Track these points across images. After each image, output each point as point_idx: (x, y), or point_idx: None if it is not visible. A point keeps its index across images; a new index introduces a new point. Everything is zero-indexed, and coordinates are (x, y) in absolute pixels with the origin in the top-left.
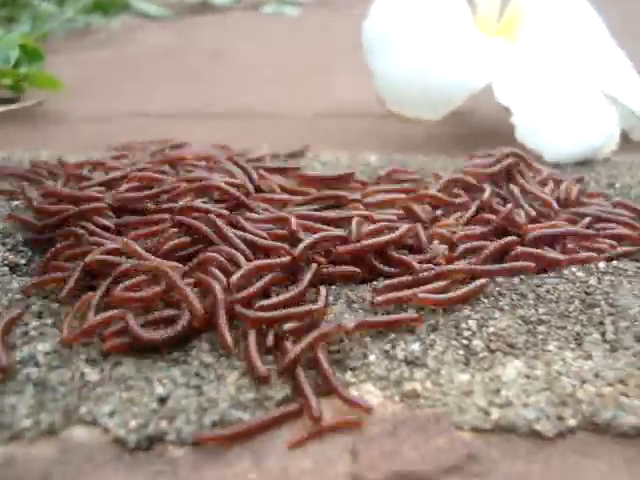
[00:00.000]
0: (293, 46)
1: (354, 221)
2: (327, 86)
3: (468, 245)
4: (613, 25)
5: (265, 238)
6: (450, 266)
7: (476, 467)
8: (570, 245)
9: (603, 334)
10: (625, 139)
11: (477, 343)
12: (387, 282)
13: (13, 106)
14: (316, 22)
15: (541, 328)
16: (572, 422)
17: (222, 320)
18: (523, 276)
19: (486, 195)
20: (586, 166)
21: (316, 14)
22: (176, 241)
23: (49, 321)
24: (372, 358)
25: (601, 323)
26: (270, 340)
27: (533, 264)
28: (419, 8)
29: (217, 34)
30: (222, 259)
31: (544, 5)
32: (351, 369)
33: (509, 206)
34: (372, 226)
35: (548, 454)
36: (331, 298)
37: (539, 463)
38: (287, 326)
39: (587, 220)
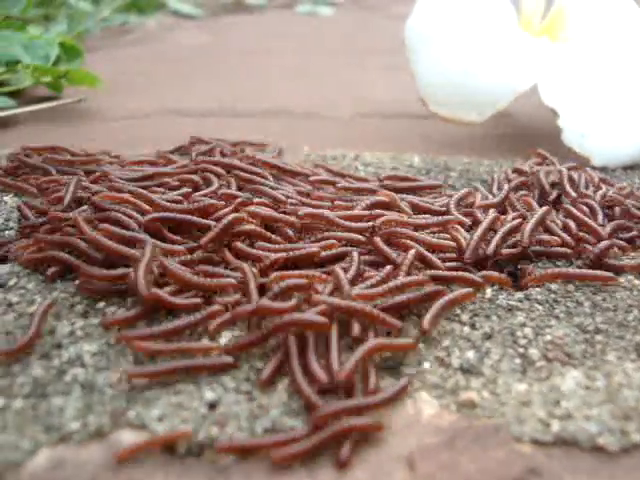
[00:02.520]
0: (328, 46)
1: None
2: (364, 86)
3: None
4: None
5: None
6: None
7: None
8: None
9: None
10: None
11: (534, 352)
12: None
13: (53, 103)
14: (350, 22)
15: (599, 337)
16: (637, 437)
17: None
18: (578, 283)
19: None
20: (636, 170)
21: (350, 14)
22: None
23: (94, 321)
24: (426, 365)
25: None
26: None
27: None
28: (462, 8)
29: (251, 33)
30: None
31: (589, 4)
32: (406, 376)
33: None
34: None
35: (612, 471)
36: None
37: (603, 479)
38: None
39: None
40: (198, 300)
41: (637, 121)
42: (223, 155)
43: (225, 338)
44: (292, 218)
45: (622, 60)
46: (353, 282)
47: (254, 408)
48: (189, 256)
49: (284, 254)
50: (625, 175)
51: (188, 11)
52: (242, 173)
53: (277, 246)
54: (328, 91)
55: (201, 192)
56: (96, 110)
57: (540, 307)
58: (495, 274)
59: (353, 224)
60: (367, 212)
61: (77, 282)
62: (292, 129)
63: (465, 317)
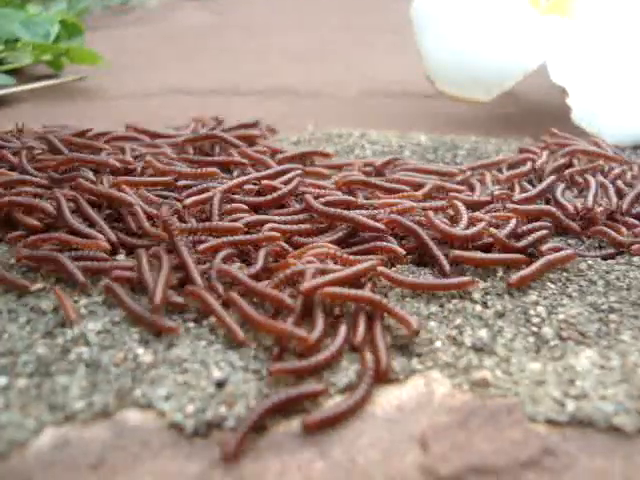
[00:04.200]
0: (333, 23)
1: None
2: (370, 64)
3: None
4: None
5: None
6: None
7: (553, 462)
8: None
9: None
10: None
11: (547, 330)
12: None
13: (53, 81)
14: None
15: (613, 316)
16: None
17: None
18: (591, 261)
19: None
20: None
21: None
22: None
23: (98, 299)
24: (438, 344)
25: None
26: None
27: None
28: None
29: (255, 12)
30: None
31: None
32: (417, 355)
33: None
34: None
35: (628, 451)
36: None
37: (619, 460)
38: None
39: None
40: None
41: None
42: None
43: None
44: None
45: (632, 37)
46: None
47: (263, 387)
48: None
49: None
50: (635, 154)
51: None
52: None
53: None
54: (333, 70)
55: None
56: (97, 89)
57: (553, 286)
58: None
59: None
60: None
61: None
62: (296, 108)
63: (477, 295)
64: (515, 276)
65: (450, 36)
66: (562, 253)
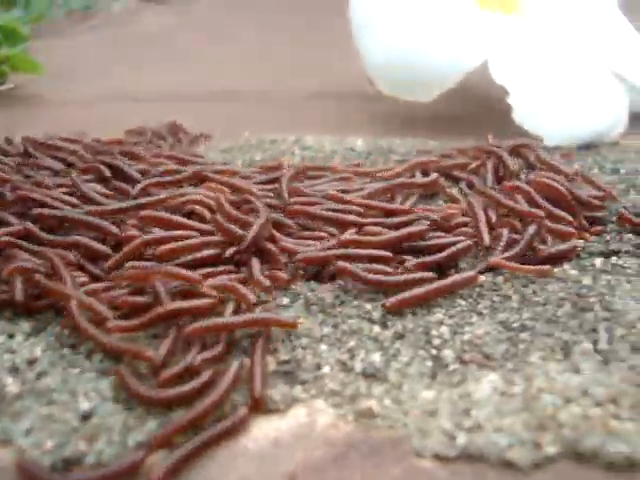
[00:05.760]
0: (294, 24)
1: None
2: (321, 66)
3: None
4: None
5: None
6: None
7: None
8: None
9: (595, 343)
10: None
11: (448, 353)
12: None
13: None
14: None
15: (524, 335)
16: (551, 450)
17: None
18: (508, 274)
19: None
20: (592, 150)
21: None
22: None
23: None
24: (326, 370)
25: (594, 330)
26: None
27: None
28: None
29: (218, 15)
30: None
31: None
32: (301, 382)
33: None
34: None
35: None
36: (287, 299)
37: None
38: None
39: None
40: None
41: (593, 99)
42: None
43: None
44: None
45: (578, 35)
46: None
47: (130, 420)
48: None
49: None
50: (578, 155)
51: None
52: None
53: None
54: (282, 72)
55: None
56: (41, 96)
57: (463, 302)
58: None
59: None
60: None
61: None
62: (238, 112)
63: (377, 314)
64: (392, 299)
65: (389, 35)
66: (457, 277)
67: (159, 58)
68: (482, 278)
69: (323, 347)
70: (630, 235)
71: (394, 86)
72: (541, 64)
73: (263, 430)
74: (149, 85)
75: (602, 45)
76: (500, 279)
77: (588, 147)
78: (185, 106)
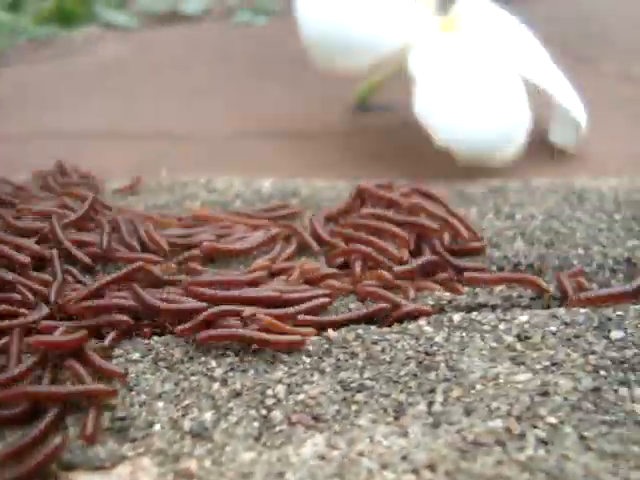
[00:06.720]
0: (246, 59)
1: None
2: (259, 102)
3: None
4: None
5: None
6: None
7: None
8: None
9: (430, 405)
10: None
11: (277, 414)
12: None
13: None
14: (283, 32)
15: (359, 396)
16: None
17: None
18: (362, 330)
19: None
20: (498, 190)
21: (281, 24)
22: None
23: None
24: (157, 428)
25: (432, 391)
26: None
27: None
28: None
29: (176, 47)
30: None
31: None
32: (131, 440)
33: None
34: None
35: None
36: (138, 354)
37: None
38: None
39: None
40: None
41: (492, 112)
42: None
43: None
44: None
45: (495, 48)
46: None
47: None
48: None
49: None
50: (481, 199)
51: (122, 22)
52: None
53: None
54: (220, 109)
55: None
56: None
57: (307, 359)
58: None
59: None
60: None
61: None
62: (164, 152)
63: (219, 371)
64: (204, 332)
65: (325, 5)
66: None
67: (104, 91)
68: (334, 334)
69: (159, 404)
70: (502, 287)
71: (329, 55)
72: (452, 64)
73: None
74: (82, 121)
75: (516, 59)
76: (351, 335)
77: (495, 190)
78: (107, 145)
